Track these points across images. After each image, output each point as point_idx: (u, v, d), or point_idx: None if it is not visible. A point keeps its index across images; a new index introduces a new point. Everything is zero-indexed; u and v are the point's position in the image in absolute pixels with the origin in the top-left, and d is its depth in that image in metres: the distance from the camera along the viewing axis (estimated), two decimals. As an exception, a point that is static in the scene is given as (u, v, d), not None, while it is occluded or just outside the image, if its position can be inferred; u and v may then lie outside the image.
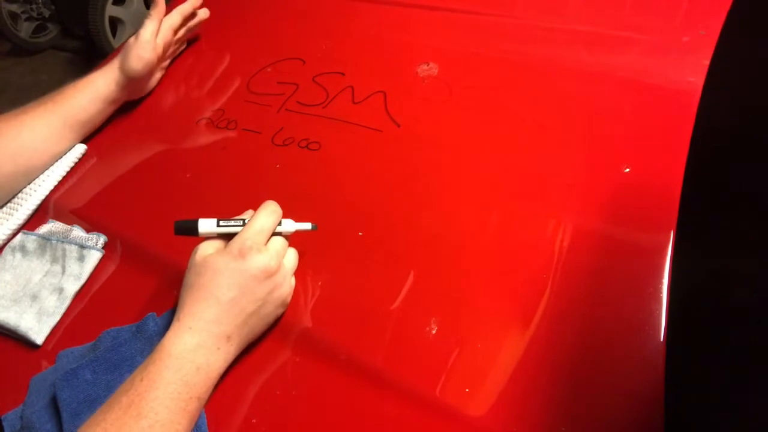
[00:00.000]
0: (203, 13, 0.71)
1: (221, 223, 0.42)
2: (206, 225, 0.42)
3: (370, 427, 0.38)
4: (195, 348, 0.38)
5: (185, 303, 0.40)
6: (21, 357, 0.47)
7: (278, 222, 0.43)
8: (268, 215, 0.42)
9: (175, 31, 0.67)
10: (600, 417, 0.35)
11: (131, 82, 0.62)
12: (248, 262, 0.39)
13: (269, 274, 0.40)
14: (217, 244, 0.42)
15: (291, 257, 0.44)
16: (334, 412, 0.39)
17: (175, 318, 0.39)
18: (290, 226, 0.44)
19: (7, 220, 0.56)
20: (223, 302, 0.39)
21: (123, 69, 0.61)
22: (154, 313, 0.43)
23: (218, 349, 0.39)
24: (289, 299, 0.44)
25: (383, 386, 0.39)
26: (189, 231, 0.42)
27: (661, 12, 0.58)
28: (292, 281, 0.44)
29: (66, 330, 0.48)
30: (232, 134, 0.60)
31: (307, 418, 0.39)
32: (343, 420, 0.38)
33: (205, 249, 0.41)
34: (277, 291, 0.41)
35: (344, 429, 0.38)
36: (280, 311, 0.43)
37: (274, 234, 0.43)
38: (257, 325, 0.41)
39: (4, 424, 0.41)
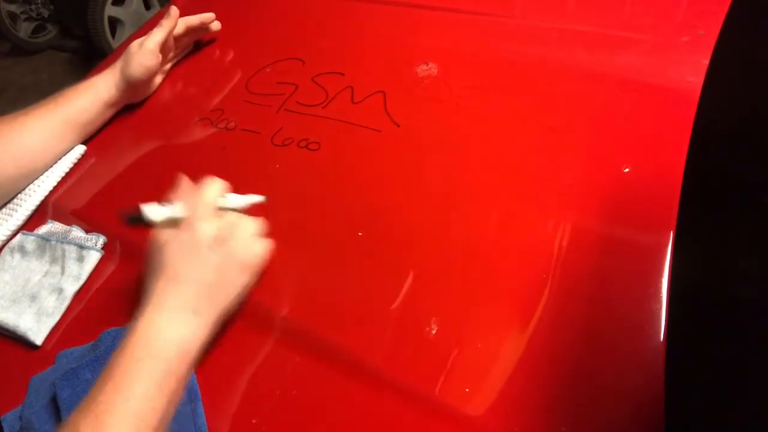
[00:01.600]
0: (214, 26, 0.71)
1: (166, 205, 0.44)
2: (151, 210, 0.43)
3: (370, 427, 0.38)
4: (164, 326, 0.38)
5: (148, 287, 0.40)
6: (20, 357, 0.47)
7: (221, 193, 0.44)
8: (208, 189, 0.44)
9: (178, 38, 0.67)
10: (600, 417, 0.35)
11: (131, 86, 0.63)
12: (197, 233, 0.41)
13: (221, 242, 0.41)
14: (171, 231, 0.43)
15: (249, 223, 0.44)
16: (334, 412, 0.39)
17: (143, 303, 0.40)
18: (237, 200, 0.45)
19: (6, 221, 0.56)
20: (180, 277, 0.40)
21: (124, 74, 0.61)
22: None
23: (187, 323, 0.39)
24: (254, 264, 0.43)
25: (383, 386, 0.39)
26: (139, 220, 0.43)
27: (661, 12, 0.58)
28: (257, 248, 0.44)
29: (65, 330, 0.48)
30: (231, 134, 0.60)
31: (307, 418, 0.39)
32: (343, 420, 0.38)
33: (159, 234, 0.42)
34: (234, 257, 0.41)
35: (344, 429, 0.38)
36: (245, 279, 0.43)
37: (226, 210, 0.44)
38: (223, 295, 0.41)
39: (4, 424, 0.41)
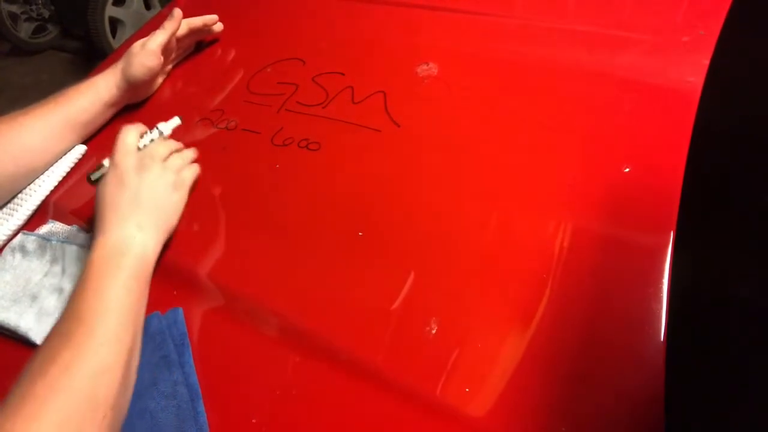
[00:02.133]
0: (217, 27, 0.72)
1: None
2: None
3: (370, 427, 0.38)
4: (118, 244, 0.45)
5: (94, 225, 0.47)
6: (21, 357, 0.47)
7: (139, 134, 0.52)
8: (124, 135, 0.51)
9: (180, 39, 0.67)
10: (600, 417, 0.35)
11: (132, 86, 0.63)
12: (118, 168, 0.49)
13: (140, 168, 0.49)
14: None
15: (162, 146, 0.53)
16: (334, 412, 0.39)
17: (93, 237, 0.46)
18: (154, 132, 0.55)
19: (7, 221, 0.56)
20: (116, 205, 0.47)
21: (125, 74, 0.62)
22: (159, 312, 0.44)
23: (134, 237, 0.46)
24: (179, 181, 0.52)
25: (383, 386, 0.39)
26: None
27: (661, 12, 0.58)
28: (186, 174, 0.53)
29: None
30: (231, 134, 0.60)
31: (307, 418, 0.39)
32: (343, 420, 0.38)
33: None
34: (158, 178, 0.50)
35: (344, 429, 0.38)
36: (176, 196, 0.51)
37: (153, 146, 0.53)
38: (159, 211, 0.49)
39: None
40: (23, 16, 2.44)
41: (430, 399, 0.37)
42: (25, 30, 2.47)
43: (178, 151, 0.55)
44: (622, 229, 0.43)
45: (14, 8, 2.40)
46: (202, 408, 0.39)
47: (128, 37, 0.77)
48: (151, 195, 0.48)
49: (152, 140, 0.54)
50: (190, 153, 0.56)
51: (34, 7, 2.44)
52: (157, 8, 2.35)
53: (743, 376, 0.47)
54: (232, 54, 0.71)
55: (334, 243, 0.48)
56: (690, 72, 0.50)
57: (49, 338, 0.40)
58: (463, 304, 0.41)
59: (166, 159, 0.52)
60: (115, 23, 2.22)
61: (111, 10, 2.16)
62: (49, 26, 2.57)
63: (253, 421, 0.39)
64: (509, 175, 0.48)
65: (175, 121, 0.56)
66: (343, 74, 0.62)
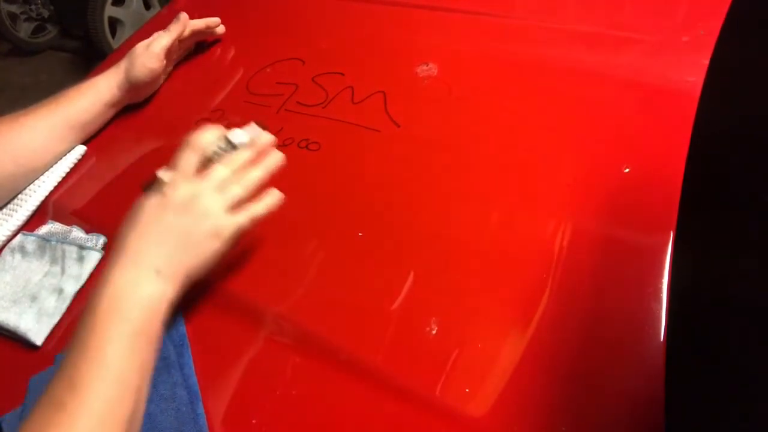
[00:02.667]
0: (219, 30, 0.72)
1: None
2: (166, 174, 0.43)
3: (370, 427, 0.38)
4: (130, 286, 0.38)
5: (118, 241, 0.41)
6: (20, 357, 0.47)
7: (197, 156, 0.43)
8: (182, 151, 0.43)
9: (182, 41, 0.67)
10: (600, 417, 0.35)
11: (134, 87, 0.63)
12: (161, 197, 0.41)
13: (188, 208, 0.41)
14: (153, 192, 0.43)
15: (230, 192, 0.43)
16: (334, 412, 0.39)
17: (111, 257, 0.40)
18: (238, 136, 0.44)
19: (7, 221, 0.56)
20: (143, 235, 0.40)
21: (128, 75, 0.62)
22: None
23: (150, 282, 0.39)
24: (226, 233, 0.42)
25: (383, 386, 0.39)
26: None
27: (661, 12, 0.58)
28: (238, 218, 0.43)
29: (65, 331, 0.48)
30: (231, 134, 0.60)
31: (307, 418, 0.39)
32: (343, 420, 0.38)
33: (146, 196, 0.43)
34: (201, 224, 0.41)
35: (344, 429, 0.38)
36: (215, 245, 0.42)
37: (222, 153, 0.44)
38: (188, 258, 0.41)
39: (4, 425, 0.41)
40: (23, 16, 2.44)
41: (430, 399, 0.37)
42: (24, 30, 2.47)
43: (247, 168, 0.45)
44: (622, 229, 0.43)
45: (14, 8, 2.40)
46: (201, 410, 0.39)
47: (128, 37, 0.76)
48: (185, 238, 0.41)
49: (217, 152, 0.44)
50: (259, 173, 0.45)
51: (33, 6, 2.43)
52: (156, 8, 2.35)
53: (743, 376, 0.47)
54: (232, 54, 0.71)
55: (334, 243, 0.47)
56: (690, 72, 0.50)
57: (40, 404, 0.34)
58: (464, 304, 0.41)
59: (225, 188, 0.43)
60: (114, 23, 2.22)
61: (110, 10, 2.16)
62: (49, 26, 2.57)
63: (253, 421, 0.39)
64: (509, 176, 0.48)
65: (253, 130, 0.45)
66: (342, 74, 0.62)
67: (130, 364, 0.36)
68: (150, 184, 0.43)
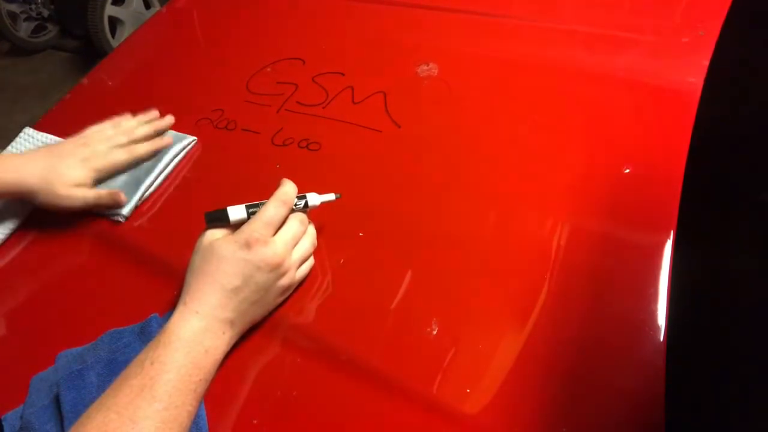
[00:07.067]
0: (166, 121, 0.60)
1: (250, 211, 0.43)
2: (236, 212, 0.43)
3: (370, 427, 0.38)
4: (202, 331, 0.38)
5: (191, 287, 0.40)
6: (21, 357, 0.47)
7: (287, 212, 0.43)
8: (277, 207, 0.42)
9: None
10: (600, 417, 0.35)
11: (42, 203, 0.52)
12: (253, 254, 0.40)
13: (273, 267, 0.41)
14: (225, 230, 0.43)
15: (301, 248, 0.44)
16: (335, 412, 0.39)
17: (181, 301, 0.40)
18: (313, 200, 0.45)
19: None
20: (227, 289, 0.40)
21: (36, 194, 0.51)
22: (157, 314, 0.43)
23: (223, 333, 0.39)
24: (291, 288, 0.44)
25: (383, 386, 0.39)
26: (220, 220, 0.42)
27: (660, 13, 0.58)
28: (303, 269, 0.45)
29: (66, 330, 0.48)
30: (231, 134, 0.60)
31: (307, 419, 0.39)
32: (344, 420, 0.38)
33: (213, 233, 0.42)
34: (280, 282, 0.42)
35: (344, 429, 0.38)
36: (280, 299, 0.44)
37: (296, 210, 0.44)
38: (258, 312, 0.42)
39: (4, 424, 0.41)
40: (22, 16, 2.44)
41: (430, 399, 0.37)
42: (24, 29, 2.47)
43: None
44: (622, 229, 0.43)
45: (14, 7, 2.40)
46: (202, 412, 0.39)
47: (127, 37, 0.76)
48: (264, 294, 0.41)
49: (294, 209, 0.44)
50: (312, 238, 0.46)
51: (33, 6, 2.43)
52: (156, 7, 2.35)
53: (743, 377, 0.47)
54: (232, 54, 0.71)
55: (334, 243, 0.48)
56: (690, 72, 0.50)
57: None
58: (464, 304, 0.41)
59: (299, 247, 0.44)
60: (114, 22, 2.22)
61: (110, 10, 2.16)
62: (49, 25, 2.56)
63: (254, 421, 0.39)
64: (509, 176, 0.48)
65: (329, 197, 0.46)
66: (343, 74, 0.62)
67: (192, 408, 0.36)
68: (217, 218, 0.42)
